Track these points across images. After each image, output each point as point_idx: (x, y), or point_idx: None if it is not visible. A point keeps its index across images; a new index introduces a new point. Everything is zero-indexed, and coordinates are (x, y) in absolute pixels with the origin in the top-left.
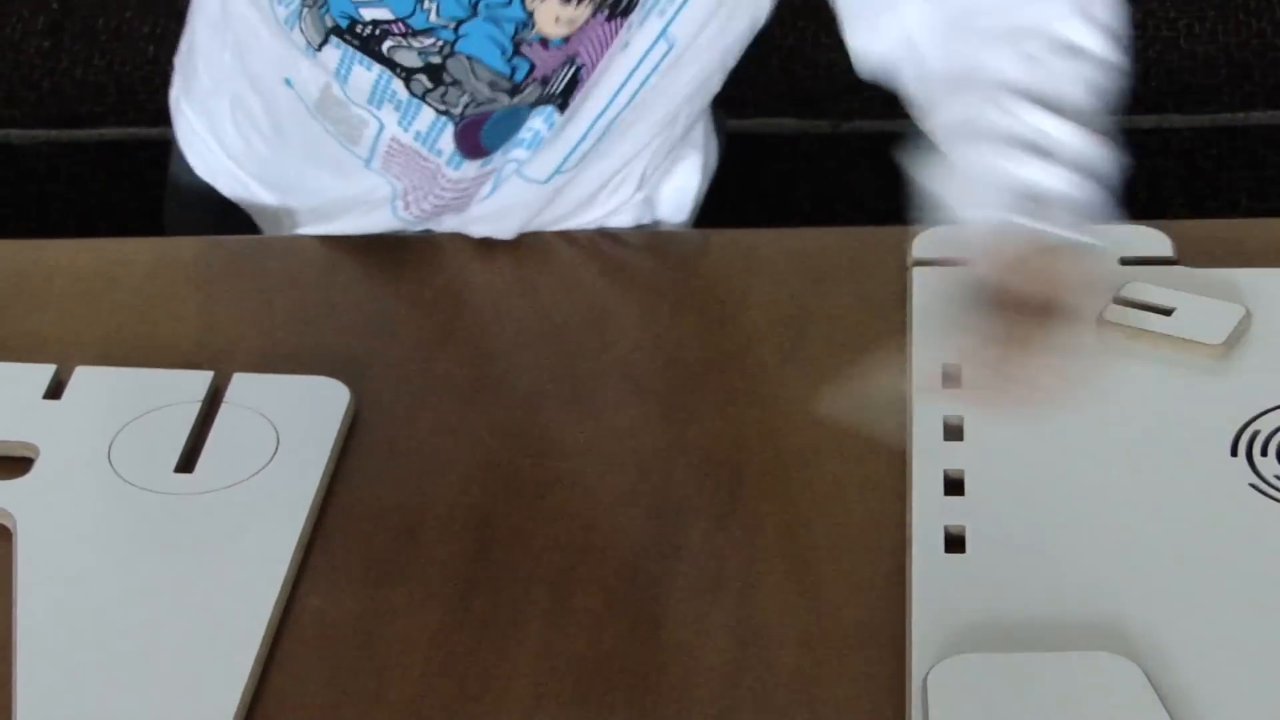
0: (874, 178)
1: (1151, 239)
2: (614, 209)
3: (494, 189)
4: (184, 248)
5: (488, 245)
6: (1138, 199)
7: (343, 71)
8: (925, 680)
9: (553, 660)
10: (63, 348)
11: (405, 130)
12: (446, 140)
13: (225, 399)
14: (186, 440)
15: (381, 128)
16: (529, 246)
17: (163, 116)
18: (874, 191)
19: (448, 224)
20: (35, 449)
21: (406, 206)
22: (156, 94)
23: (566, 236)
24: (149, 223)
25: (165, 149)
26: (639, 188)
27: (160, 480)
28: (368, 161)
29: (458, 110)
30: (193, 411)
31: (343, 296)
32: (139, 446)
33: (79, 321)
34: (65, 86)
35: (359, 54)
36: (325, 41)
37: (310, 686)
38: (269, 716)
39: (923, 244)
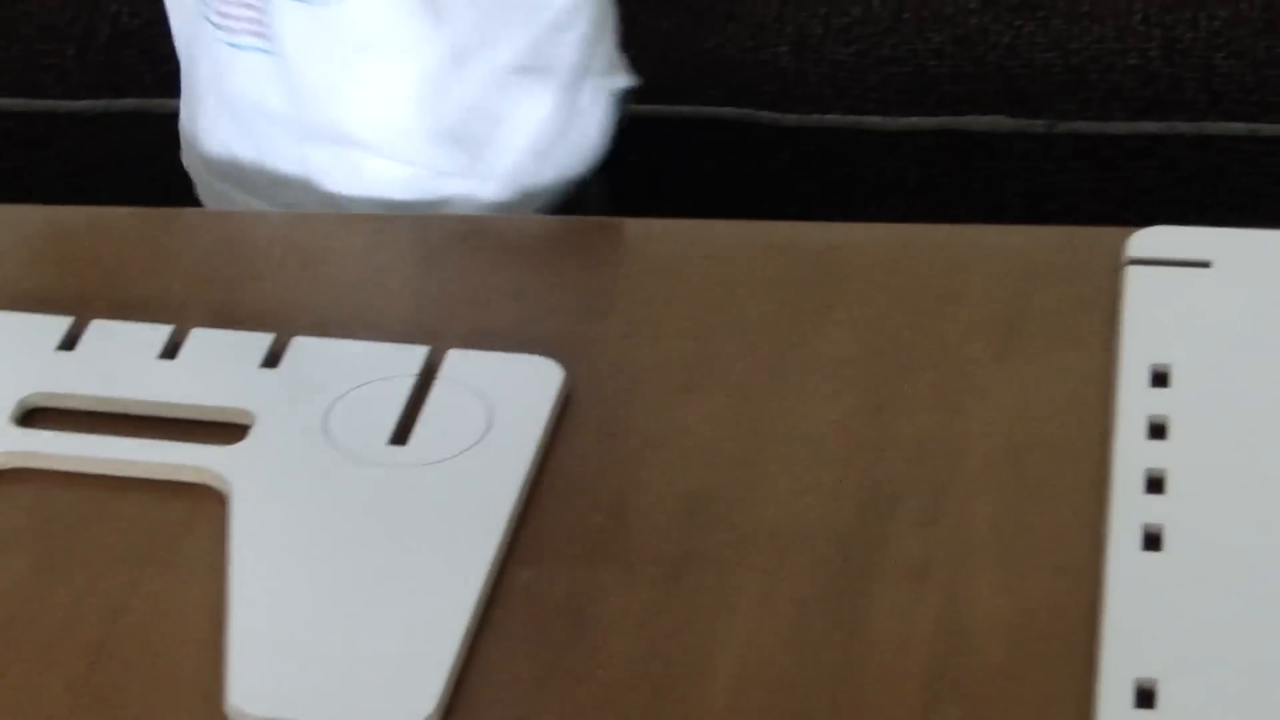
0: (1087, 179)
1: None
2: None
3: None
4: (402, 223)
5: (706, 232)
6: None
7: None
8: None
9: (759, 645)
10: (280, 318)
11: None
12: None
13: (440, 374)
14: (401, 413)
15: None
16: (746, 237)
17: None
18: (1087, 193)
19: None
20: (251, 416)
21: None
22: None
23: (791, 230)
24: None
25: None
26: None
27: (374, 452)
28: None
29: None
30: (407, 385)
31: (558, 276)
32: (354, 417)
33: (296, 293)
34: None
35: None
36: None
37: (519, 659)
38: (478, 687)
39: (1139, 243)
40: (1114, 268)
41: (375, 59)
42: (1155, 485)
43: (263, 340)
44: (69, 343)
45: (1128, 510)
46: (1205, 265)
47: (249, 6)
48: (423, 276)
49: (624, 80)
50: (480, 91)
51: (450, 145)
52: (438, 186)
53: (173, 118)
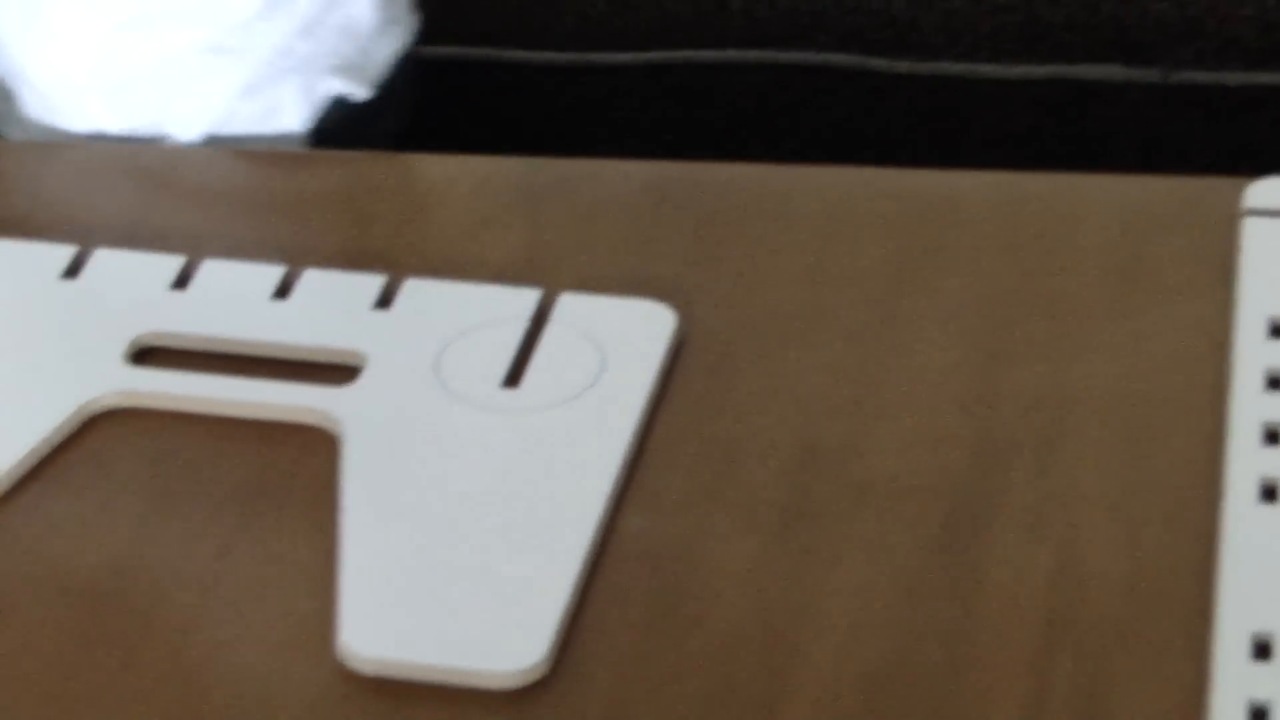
0: (1202, 129)
1: None
2: None
3: None
4: (512, 167)
5: (819, 179)
6: None
7: None
8: None
9: (871, 595)
10: (392, 259)
11: None
12: None
13: (552, 318)
14: (513, 356)
15: None
16: (859, 184)
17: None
18: (1201, 143)
19: None
20: (363, 358)
21: None
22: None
23: (904, 178)
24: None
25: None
26: None
27: (486, 395)
28: None
29: None
30: (519, 328)
31: (671, 222)
32: (465, 360)
33: (408, 234)
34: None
35: None
36: None
37: (631, 605)
38: (588, 633)
39: (1256, 194)
40: (1230, 219)
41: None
42: (1273, 438)
43: (375, 282)
44: (181, 282)
45: (1245, 462)
46: None
47: None
48: (534, 219)
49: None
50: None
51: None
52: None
53: None
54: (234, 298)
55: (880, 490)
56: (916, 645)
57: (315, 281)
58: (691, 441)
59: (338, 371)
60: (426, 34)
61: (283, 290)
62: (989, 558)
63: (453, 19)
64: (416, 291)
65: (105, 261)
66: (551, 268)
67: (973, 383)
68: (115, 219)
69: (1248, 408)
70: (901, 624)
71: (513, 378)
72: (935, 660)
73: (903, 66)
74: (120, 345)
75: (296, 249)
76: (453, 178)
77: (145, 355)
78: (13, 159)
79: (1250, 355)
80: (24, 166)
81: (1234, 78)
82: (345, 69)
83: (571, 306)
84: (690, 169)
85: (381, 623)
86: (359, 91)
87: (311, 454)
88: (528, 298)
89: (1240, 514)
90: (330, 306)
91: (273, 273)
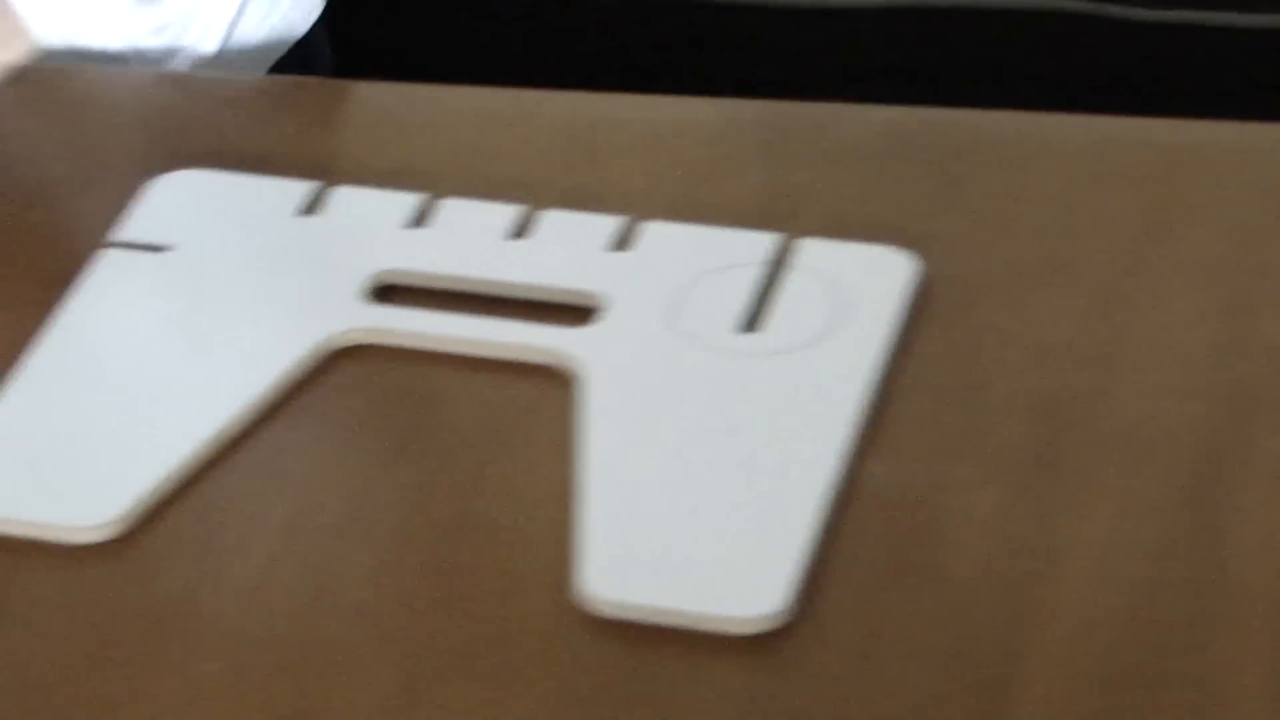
0: None
1: None
2: None
3: None
4: (750, 110)
5: (1062, 127)
6: None
7: None
8: None
9: (1115, 548)
10: (630, 201)
11: None
12: None
13: (790, 262)
14: (751, 301)
15: None
16: (1103, 132)
17: None
18: None
19: None
20: (600, 299)
21: None
22: None
23: (1148, 127)
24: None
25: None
26: None
27: (723, 339)
28: None
29: None
30: (757, 272)
31: (912, 167)
32: (703, 303)
33: (647, 177)
34: None
35: None
36: None
37: (871, 554)
38: (828, 581)
39: None
40: None
41: None
42: None
43: (612, 223)
44: (419, 220)
45: None
46: None
47: None
48: (773, 163)
49: None
50: None
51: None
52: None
53: None
54: (471, 236)
55: (1126, 441)
56: (1162, 601)
57: (553, 221)
58: (932, 389)
59: (574, 312)
60: None
61: (520, 229)
62: (1237, 510)
63: None
64: (653, 233)
65: (344, 198)
66: (790, 212)
67: (1221, 333)
68: (354, 156)
69: None
70: (1147, 578)
71: (750, 322)
72: (1181, 616)
73: (1140, 14)
74: (359, 282)
75: (534, 188)
76: (694, 120)
77: (384, 293)
78: (251, 95)
79: None
80: (261, 103)
81: None
82: None
83: (811, 251)
84: (932, 114)
85: (621, 566)
86: None
87: (548, 394)
88: (767, 242)
89: None
90: (568, 247)
91: (510, 212)
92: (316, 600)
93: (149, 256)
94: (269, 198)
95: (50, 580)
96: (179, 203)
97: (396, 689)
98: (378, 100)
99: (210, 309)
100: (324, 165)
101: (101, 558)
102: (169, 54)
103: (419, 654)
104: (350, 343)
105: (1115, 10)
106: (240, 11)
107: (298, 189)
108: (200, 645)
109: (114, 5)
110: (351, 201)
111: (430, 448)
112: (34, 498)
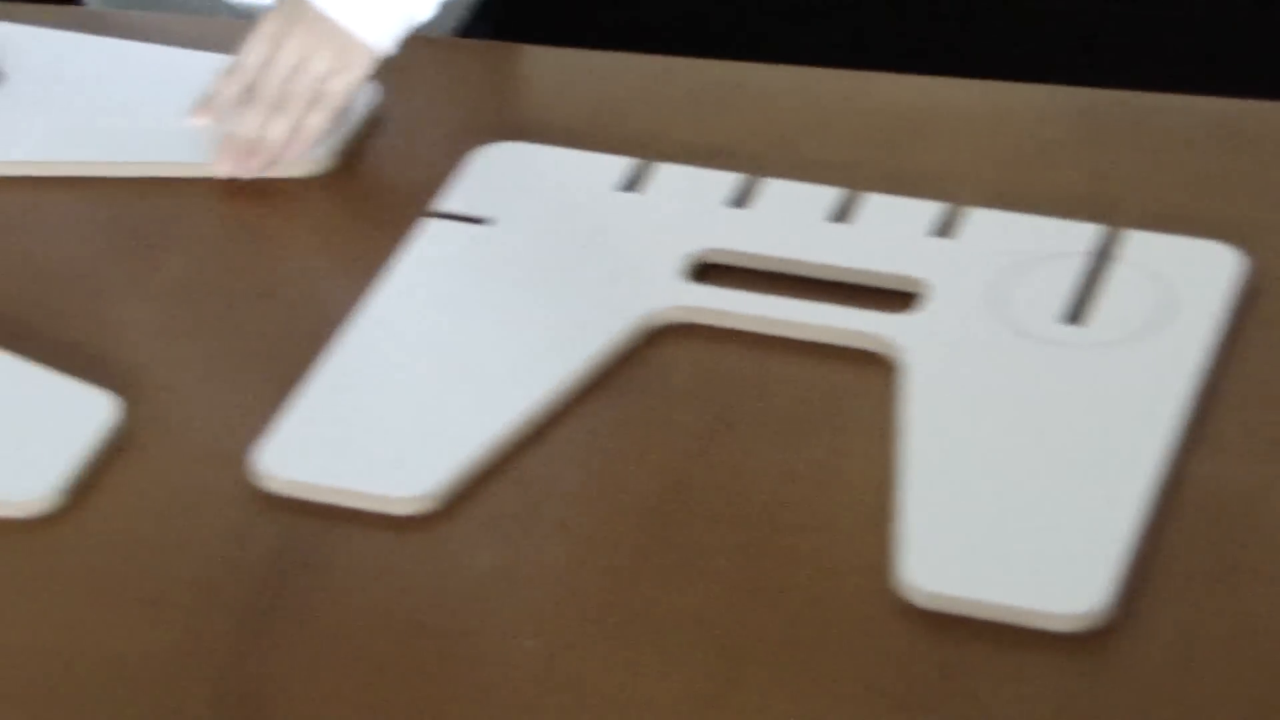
0: None
1: None
2: None
3: None
4: (1069, 97)
5: None
6: None
7: None
8: None
9: None
10: (950, 186)
11: None
12: None
13: (1114, 254)
14: (1074, 292)
15: None
16: None
17: None
18: None
19: None
20: (922, 285)
21: None
22: None
23: None
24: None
25: None
26: None
27: (1046, 329)
28: None
29: None
30: (1080, 263)
31: (1239, 160)
32: (1026, 292)
33: (967, 162)
34: None
35: None
36: None
37: (1195, 554)
38: (1153, 577)
39: None
40: None
41: None
42: None
43: (934, 208)
44: (741, 200)
45: None
46: None
47: None
48: (1094, 151)
49: None
50: None
51: None
52: None
53: None
54: (792, 218)
55: None
56: None
57: (874, 205)
58: (1259, 389)
59: (895, 298)
60: None
61: (841, 213)
62: None
63: None
64: (975, 220)
65: (665, 175)
66: (1112, 202)
67: None
68: (674, 133)
69: None
70: None
71: (1074, 313)
72: None
73: None
74: (679, 260)
75: (854, 170)
76: (1012, 105)
77: (704, 271)
78: (564, 68)
79: None
80: (584, 77)
81: None
82: None
83: (1135, 244)
84: (1256, 107)
85: (941, 557)
86: None
87: (869, 380)
88: (1090, 233)
89: None
90: (890, 232)
91: (832, 194)
92: (632, 584)
93: (469, 228)
94: (589, 172)
95: (372, 548)
96: (499, 175)
97: (716, 672)
98: (696, 76)
99: (529, 283)
100: (644, 142)
101: (421, 529)
102: None
103: (736, 638)
104: (669, 321)
105: None
106: None
107: (618, 164)
108: (516, 622)
109: None
110: (672, 179)
111: (748, 430)
112: (355, 467)
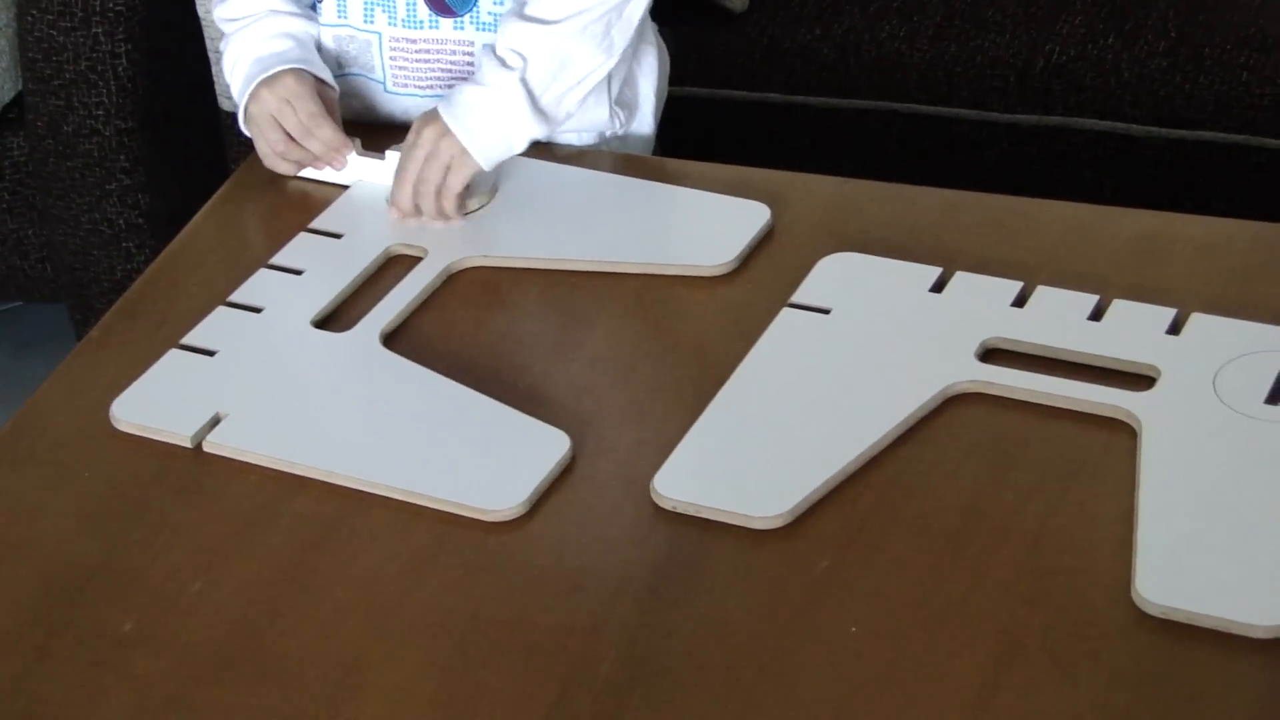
0: None
1: None
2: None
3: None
4: (1274, 232)
5: None
6: None
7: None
8: None
9: None
10: (1180, 296)
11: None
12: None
13: None
14: (1274, 380)
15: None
16: None
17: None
18: None
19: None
20: (1158, 371)
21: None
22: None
23: None
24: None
25: None
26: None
27: (1253, 408)
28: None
29: None
30: (1279, 359)
31: None
32: (1237, 380)
33: (1193, 278)
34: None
35: None
36: None
37: None
38: None
39: None
40: None
41: None
42: None
43: (1168, 313)
44: (1019, 302)
45: None
46: None
47: None
48: None
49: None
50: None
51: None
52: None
53: None
54: (1059, 316)
55: None
56: None
57: (1122, 309)
58: None
59: (1137, 380)
60: None
61: (1096, 314)
62: None
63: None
64: (1199, 323)
65: (963, 281)
66: None
67: None
68: (971, 250)
69: None
70: None
71: (1274, 396)
72: None
73: None
74: (973, 345)
75: (1106, 282)
76: (1230, 235)
77: (991, 354)
78: (895, 198)
79: None
80: (902, 205)
81: None
82: None
83: None
84: None
85: (1169, 577)
86: None
87: (1115, 442)
88: None
89: None
90: (1132, 329)
91: (1090, 299)
92: (932, 590)
93: (817, 316)
94: (906, 277)
95: (738, 555)
96: (839, 277)
97: (988, 667)
98: (985, 206)
99: (861, 359)
100: (947, 255)
101: (774, 540)
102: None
103: (1003, 635)
104: (964, 391)
105: None
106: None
107: (928, 272)
108: (843, 614)
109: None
110: (969, 284)
111: (1022, 475)
112: (727, 492)
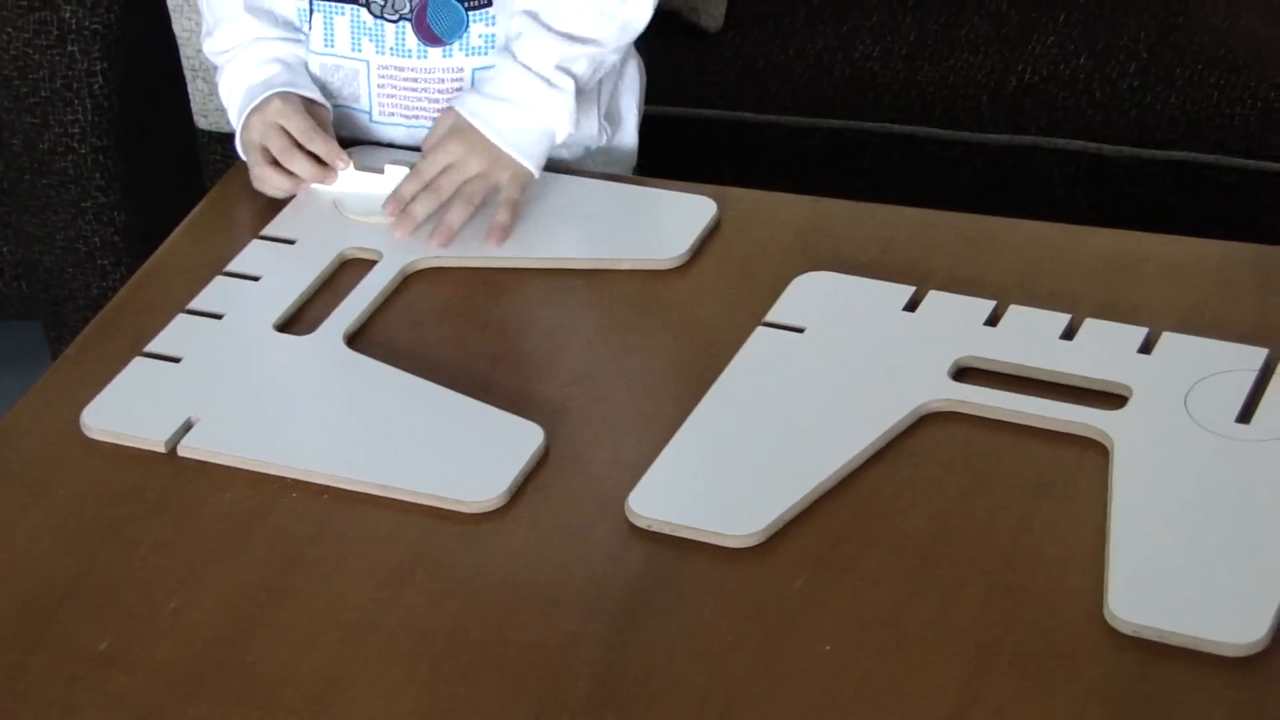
0: None
1: None
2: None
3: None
4: (1244, 250)
5: None
6: None
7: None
8: None
9: None
10: (1151, 315)
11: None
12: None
13: (1276, 371)
14: (1245, 399)
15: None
16: None
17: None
18: None
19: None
20: (1129, 389)
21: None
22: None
23: None
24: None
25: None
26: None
27: (1224, 426)
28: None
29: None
30: (1250, 378)
31: None
32: (1207, 398)
33: (1164, 297)
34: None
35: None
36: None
37: None
38: None
39: None
40: None
41: None
42: None
43: (1139, 332)
44: (992, 321)
45: None
46: None
47: None
48: (1263, 292)
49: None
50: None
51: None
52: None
53: None
54: (1030, 335)
55: None
56: None
57: (1093, 328)
58: None
59: (1108, 398)
60: None
61: (1068, 333)
62: None
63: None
64: (1169, 342)
65: (936, 300)
66: (1275, 332)
67: None
68: (942, 268)
69: None
70: None
71: (1245, 415)
72: None
73: None
74: (946, 364)
75: (1078, 301)
76: (1199, 255)
77: (964, 374)
78: (868, 218)
79: None
80: (874, 224)
81: None
82: None
83: None
84: None
85: (1141, 595)
86: None
87: (1087, 460)
88: (1257, 355)
89: None
90: (1104, 348)
91: (1061, 319)
92: (906, 605)
93: (791, 335)
94: (878, 296)
95: (712, 574)
96: (813, 295)
97: (961, 684)
98: (957, 225)
99: (834, 377)
100: (920, 274)
101: (748, 559)
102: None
103: (976, 652)
104: (937, 410)
105: None
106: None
107: (901, 291)
108: (818, 632)
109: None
110: (942, 303)
111: (995, 493)
112: (700, 507)
